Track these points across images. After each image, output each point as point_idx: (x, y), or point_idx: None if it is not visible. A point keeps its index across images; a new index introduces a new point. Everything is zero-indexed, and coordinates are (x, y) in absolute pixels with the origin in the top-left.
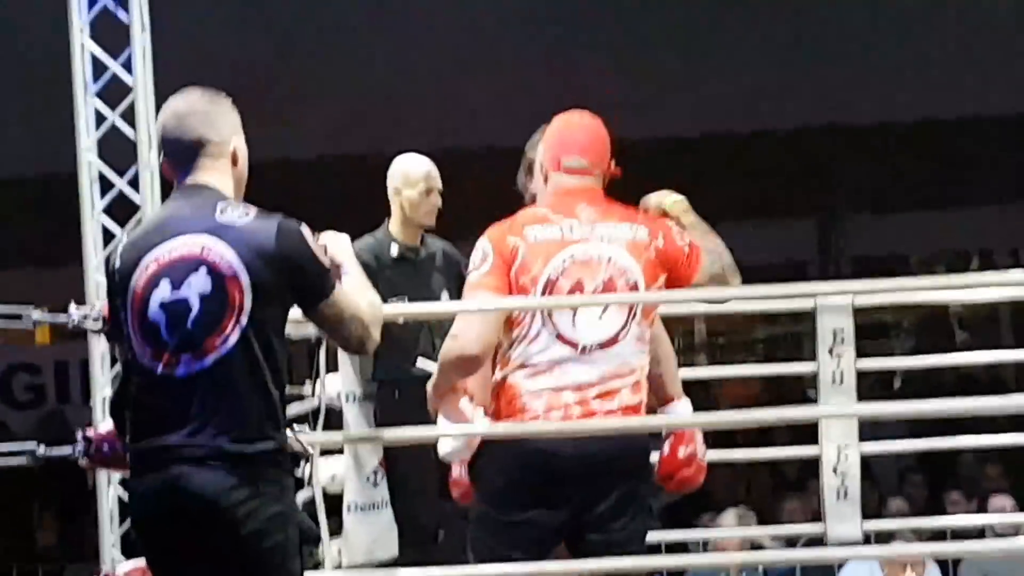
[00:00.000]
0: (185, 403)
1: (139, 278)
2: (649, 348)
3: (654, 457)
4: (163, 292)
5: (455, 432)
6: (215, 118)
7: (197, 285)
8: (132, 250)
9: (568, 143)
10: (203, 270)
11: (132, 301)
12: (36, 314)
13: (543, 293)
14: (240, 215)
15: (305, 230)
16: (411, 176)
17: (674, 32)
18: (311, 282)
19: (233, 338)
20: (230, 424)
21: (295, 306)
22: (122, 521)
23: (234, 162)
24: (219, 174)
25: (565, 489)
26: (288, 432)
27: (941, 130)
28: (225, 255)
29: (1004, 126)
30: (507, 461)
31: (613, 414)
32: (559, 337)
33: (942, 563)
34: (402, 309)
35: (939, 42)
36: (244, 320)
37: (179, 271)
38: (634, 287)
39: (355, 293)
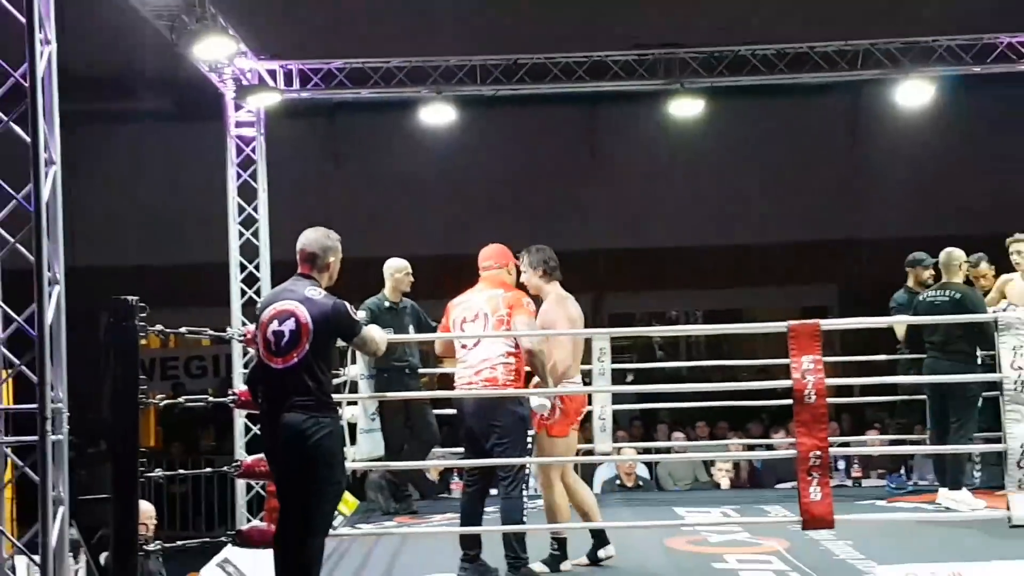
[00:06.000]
0: (282, 385)
1: (266, 315)
2: (512, 349)
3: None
4: (275, 325)
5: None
6: (324, 245)
7: (288, 325)
8: (265, 302)
9: (481, 255)
10: (292, 319)
11: (261, 326)
12: (209, 332)
13: (455, 327)
14: (317, 294)
15: (347, 306)
16: (401, 266)
17: None
18: (346, 330)
19: (303, 352)
20: (307, 395)
21: (339, 339)
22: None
23: (325, 269)
24: (317, 273)
25: (466, 423)
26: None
27: None
28: (302, 313)
29: None
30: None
31: (475, 384)
32: (463, 346)
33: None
34: (391, 337)
35: None
36: (307, 345)
37: (282, 316)
38: (484, 317)
39: (371, 331)
